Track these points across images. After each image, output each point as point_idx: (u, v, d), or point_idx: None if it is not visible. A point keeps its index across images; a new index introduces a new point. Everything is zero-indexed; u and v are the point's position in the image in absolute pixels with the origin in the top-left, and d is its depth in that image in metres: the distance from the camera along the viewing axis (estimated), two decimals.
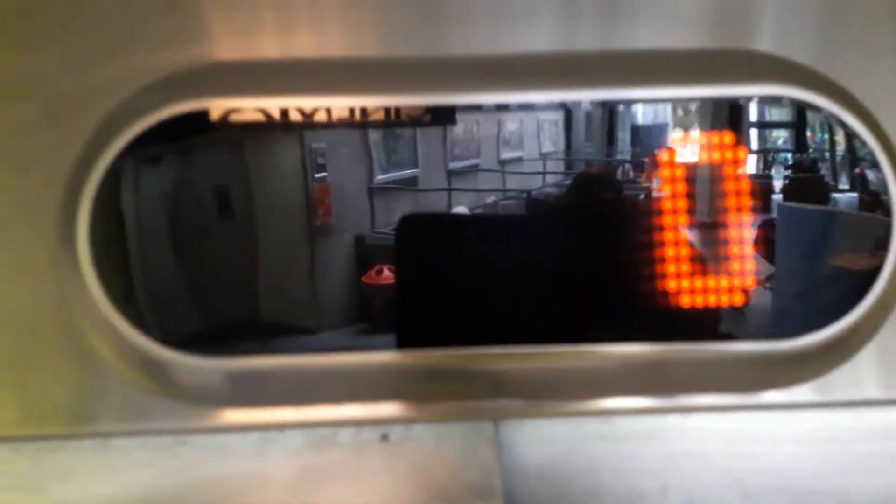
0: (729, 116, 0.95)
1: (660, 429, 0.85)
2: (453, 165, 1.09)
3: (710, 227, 0.89)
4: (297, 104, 0.82)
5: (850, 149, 0.92)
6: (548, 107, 1.08)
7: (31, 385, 0.82)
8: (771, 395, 0.85)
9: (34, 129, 0.77)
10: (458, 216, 1.03)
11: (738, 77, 0.83)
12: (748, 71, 0.82)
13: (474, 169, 1.11)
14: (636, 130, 1.16)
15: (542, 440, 0.85)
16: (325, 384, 0.85)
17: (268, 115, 0.82)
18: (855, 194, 0.96)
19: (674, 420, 0.85)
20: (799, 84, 0.82)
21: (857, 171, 1.16)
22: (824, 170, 1.00)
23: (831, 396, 0.85)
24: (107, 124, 0.77)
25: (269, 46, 0.78)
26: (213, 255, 0.87)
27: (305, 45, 0.79)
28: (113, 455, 0.83)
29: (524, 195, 1.06)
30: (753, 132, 0.97)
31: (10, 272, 0.80)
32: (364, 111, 0.86)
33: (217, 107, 0.80)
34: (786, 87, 0.82)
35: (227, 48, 0.77)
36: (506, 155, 1.13)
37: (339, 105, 0.83)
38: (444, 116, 0.95)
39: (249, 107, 0.80)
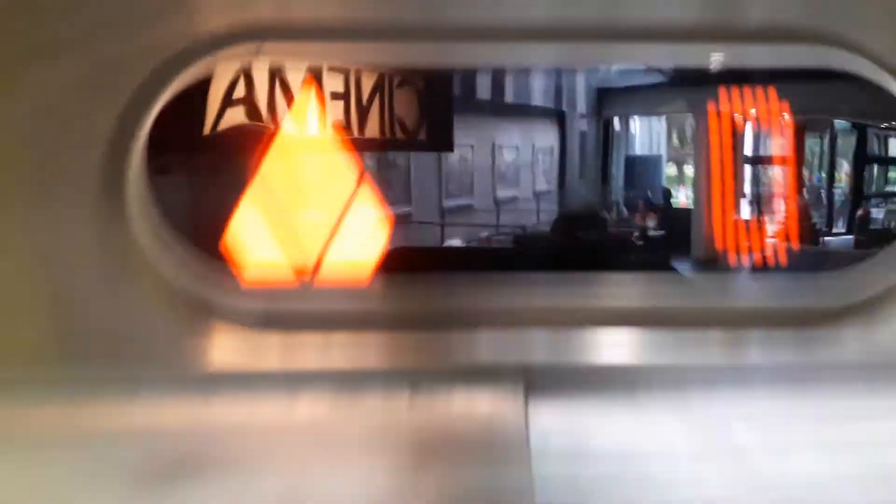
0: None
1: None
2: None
3: None
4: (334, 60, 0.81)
5: None
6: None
7: (70, 323, 0.82)
8: None
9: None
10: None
11: None
12: None
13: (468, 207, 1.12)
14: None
15: (568, 416, 0.82)
16: (354, 338, 0.84)
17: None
18: None
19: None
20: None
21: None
22: None
23: None
24: (161, 67, 0.77)
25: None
26: None
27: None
28: (137, 407, 0.82)
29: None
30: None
31: (57, 216, 0.81)
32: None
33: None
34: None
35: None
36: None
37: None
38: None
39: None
